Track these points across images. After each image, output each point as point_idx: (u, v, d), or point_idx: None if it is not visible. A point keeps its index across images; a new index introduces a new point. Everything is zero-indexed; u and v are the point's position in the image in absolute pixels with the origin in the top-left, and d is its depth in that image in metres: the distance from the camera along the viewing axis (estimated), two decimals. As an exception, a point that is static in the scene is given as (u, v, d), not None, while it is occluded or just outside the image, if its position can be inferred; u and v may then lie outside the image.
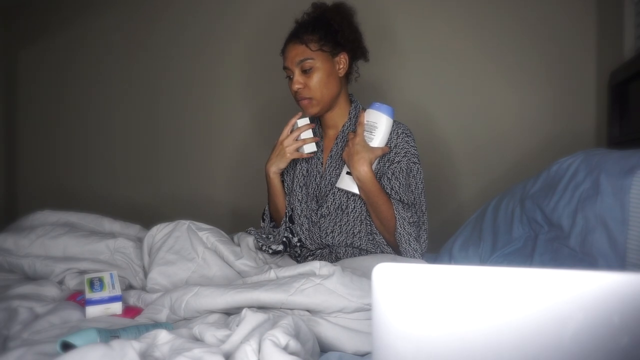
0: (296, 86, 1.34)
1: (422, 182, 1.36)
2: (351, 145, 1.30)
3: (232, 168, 2.35)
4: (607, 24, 1.81)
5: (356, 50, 1.41)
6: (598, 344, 0.42)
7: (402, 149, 1.35)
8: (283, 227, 1.43)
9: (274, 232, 1.48)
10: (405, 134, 1.37)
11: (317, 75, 1.33)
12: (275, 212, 1.50)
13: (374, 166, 1.31)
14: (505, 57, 1.97)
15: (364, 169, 1.27)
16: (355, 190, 1.32)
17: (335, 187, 1.36)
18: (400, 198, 1.32)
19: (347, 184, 1.33)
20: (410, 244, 1.29)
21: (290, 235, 1.43)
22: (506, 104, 1.98)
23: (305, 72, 1.33)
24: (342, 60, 1.37)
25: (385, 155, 1.35)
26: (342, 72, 1.38)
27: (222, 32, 2.33)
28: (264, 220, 1.53)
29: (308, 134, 1.39)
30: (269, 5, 2.22)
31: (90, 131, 2.56)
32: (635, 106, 1.61)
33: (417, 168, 1.36)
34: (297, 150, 1.39)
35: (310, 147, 1.39)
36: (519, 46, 1.95)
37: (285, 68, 1.37)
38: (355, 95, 1.48)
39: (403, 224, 1.28)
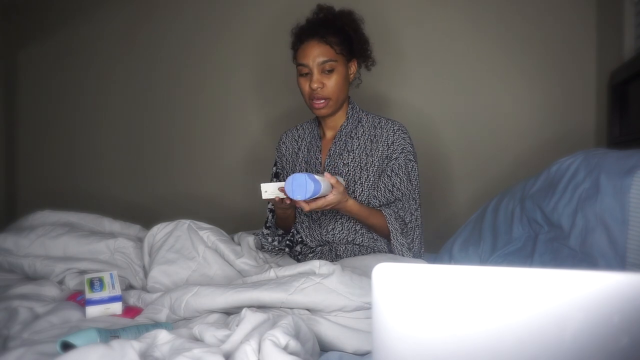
0: (316, 85, 1.31)
1: (416, 180, 1.37)
2: (323, 209, 1.21)
3: (232, 169, 2.35)
4: (607, 24, 1.80)
5: (364, 58, 1.42)
6: (598, 344, 0.42)
7: (399, 145, 1.37)
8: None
9: (276, 231, 1.49)
10: (402, 130, 1.39)
11: (336, 77, 1.33)
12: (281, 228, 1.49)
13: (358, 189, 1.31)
14: (504, 58, 1.97)
15: (345, 206, 1.23)
16: None
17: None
18: (402, 194, 1.34)
19: None
20: (403, 254, 1.31)
21: (294, 231, 1.44)
22: (506, 104, 1.98)
23: (326, 72, 1.32)
24: (353, 66, 1.39)
25: (384, 153, 1.37)
26: (352, 78, 1.40)
27: (227, 32, 2.33)
28: (267, 228, 1.46)
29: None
30: (279, 8, 2.22)
31: (91, 131, 2.56)
32: (635, 106, 1.61)
33: (412, 165, 1.37)
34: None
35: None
36: (519, 47, 1.95)
37: (300, 65, 1.34)
38: (354, 98, 1.48)
39: (396, 236, 1.30)
